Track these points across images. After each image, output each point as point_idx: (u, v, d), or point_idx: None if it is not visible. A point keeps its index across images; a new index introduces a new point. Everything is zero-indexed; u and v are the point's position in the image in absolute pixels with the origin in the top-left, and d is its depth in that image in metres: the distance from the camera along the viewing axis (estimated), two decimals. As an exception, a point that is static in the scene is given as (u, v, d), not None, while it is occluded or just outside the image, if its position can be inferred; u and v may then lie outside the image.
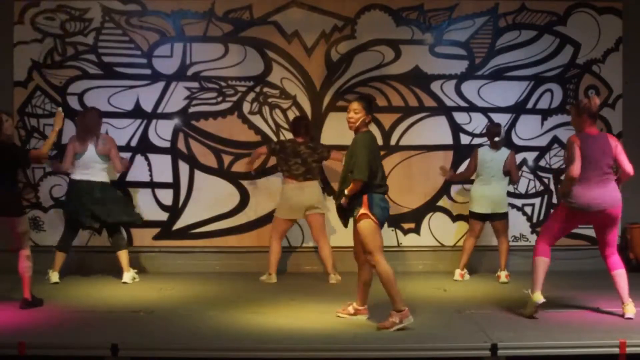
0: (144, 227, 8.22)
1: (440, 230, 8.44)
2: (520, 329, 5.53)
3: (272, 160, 8.06)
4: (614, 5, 8.49)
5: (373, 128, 5.89)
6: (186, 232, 8.31)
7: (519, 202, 8.39)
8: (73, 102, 8.22)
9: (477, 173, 7.74)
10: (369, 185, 5.53)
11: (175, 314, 6.04)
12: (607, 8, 8.48)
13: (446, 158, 8.42)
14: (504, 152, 7.71)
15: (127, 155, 8.11)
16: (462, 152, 8.35)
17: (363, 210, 5.53)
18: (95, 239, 8.16)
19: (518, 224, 8.36)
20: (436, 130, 8.43)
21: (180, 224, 8.32)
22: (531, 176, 8.46)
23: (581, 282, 7.39)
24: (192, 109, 8.32)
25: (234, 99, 8.33)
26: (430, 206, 8.44)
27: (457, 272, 7.78)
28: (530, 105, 8.50)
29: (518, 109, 8.48)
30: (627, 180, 6.06)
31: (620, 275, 5.88)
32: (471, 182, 7.89)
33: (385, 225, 6.15)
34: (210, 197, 8.31)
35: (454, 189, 8.45)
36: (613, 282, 5.91)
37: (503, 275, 7.63)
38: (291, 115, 8.26)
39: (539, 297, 5.79)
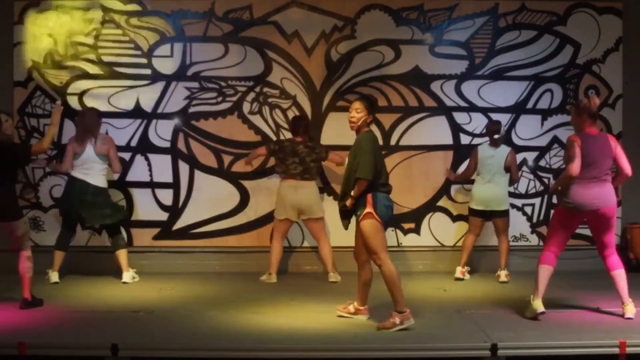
0: (144, 227, 8.24)
1: (440, 230, 8.44)
2: (520, 329, 5.53)
3: (272, 160, 8.05)
4: (614, 5, 8.49)
5: (373, 128, 5.88)
6: (186, 232, 8.31)
7: (519, 202, 8.39)
8: (73, 102, 8.22)
9: (478, 171, 7.75)
10: (373, 184, 5.53)
11: (175, 314, 6.04)
12: (607, 8, 8.48)
13: (446, 158, 8.42)
14: (504, 150, 7.72)
15: (127, 155, 8.12)
16: (462, 152, 8.35)
17: (367, 209, 5.52)
18: (95, 239, 8.16)
19: (518, 224, 8.36)
20: (436, 130, 8.43)
21: (180, 224, 8.32)
22: (531, 176, 8.46)
23: (581, 282, 7.39)
24: (192, 109, 8.32)
25: (234, 99, 8.33)
26: (430, 206, 8.44)
27: (458, 269, 7.78)
28: (530, 105, 8.49)
29: (518, 109, 8.48)
30: (624, 181, 6.07)
31: (620, 275, 5.88)
32: (472, 181, 7.90)
33: (386, 225, 6.15)
34: (210, 197, 8.31)
35: (454, 188, 8.45)
36: (613, 282, 5.91)
37: (503, 274, 7.64)
38: (291, 115, 8.25)
39: (538, 306, 5.80)
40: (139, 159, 8.27)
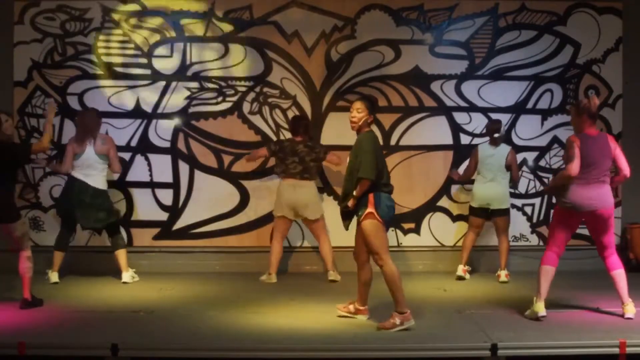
0: (144, 227, 8.24)
1: (440, 230, 8.44)
2: (520, 329, 5.53)
3: (272, 160, 8.05)
4: (614, 5, 8.49)
5: (373, 128, 5.87)
6: (186, 232, 8.31)
7: (519, 202, 8.39)
8: (73, 102, 8.22)
9: (478, 170, 7.75)
10: (375, 184, 5.52)
11: (175, 314, 6.04)
12: (607, 8, 8.48)
13: (446, 158, 8.43)
14: (504, 149, 7.72)
15: (127, 155, 8.12)
16: (462, 152, 8.35)
17: (369, 209, 5.51)
18: (95, 239, 8.16)
19: (518, 224, 8.36)
20: (436, 130, 8.43)
21: (180, 224, 8.32)
22: (531, 176, 8.46)
23: (581, 282, 7.39)
24: (192, 109, 8.32)
25: (234, 99, 8.33)
26: (430, 206, 8.44)
27: (460, 267, 7.78)
28: (530, 105, 8.50)
29: (518, 109, 8.48)
30: (622, 182, 6.08)
31: (620, 275, 5.88)
32: (472, 181, 7.90)
33: (386, 225, 6.15)
34: (210, 197, 8.31)
35: (454, 188, 8.45)
36: (612, 283, 5.91)
37: (503, 274, 7.64)
38: (291, 115, 8.25)
39: (539, 309, 5.80)
40: (139, 159, 8.27)
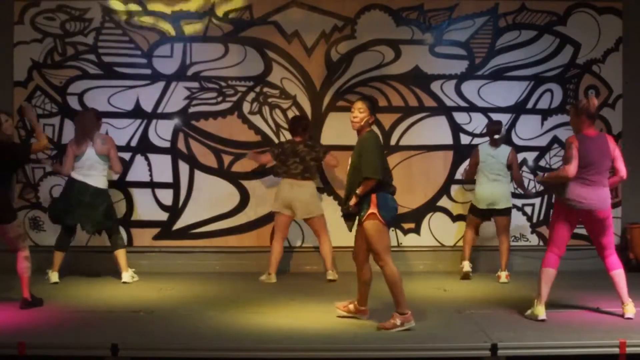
0: (144, 227, 8.24)
1: (440, 230, 8.44)
2: (520, 329, 5.53)
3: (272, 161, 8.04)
4: (614, 5, 8.49)
5: (373, 128, 5.86)
6: (186, 232, 8.31)
7: (519, 202, 8.38)
8: (73, 102, 8.22)
9: (479, 170, 7.75)
10: (379, 184, 5.51)
11: (175, 314, 6.04)
12: (607, 8, 8.48)
13: (446, 158, 8.43)
14: (504, 149, 7.73)
15: (127, 155, 8.12)
16: (462, 152, 8.35)
17: (371, 210, 5.50)
18: (95, 239, 8.13)
19: (518, 224, 8.36)
20: (436, 130, 8.43)
21: (180, 224, 8.32)
22: (531, 176, 8.45)
23: (581, 282, 7.39)
24: (192, 109, 8.32)
25: (234, 99, 8.33)
26: (430, 206, 8.44)
27: (466, 263, 7.78)
28: (530, 105, 8.50)
29: (518, 109, 8.48)
30: (618, 183, 6.09)
31: (619, 275, 5.88)
32: (473, 181, 7.90)
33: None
34: (210, 197, 8.31)
35: (454, 188, 8.45)
36: (612, 283, 5.91)
37: (503, 275, 7.63)
38: (291, 115, 8.25)
39: (540, 312, 5.79)
40: (139, 159, 8.27)
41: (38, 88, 8.21)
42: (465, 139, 8.43)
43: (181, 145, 8.31)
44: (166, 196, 8.30)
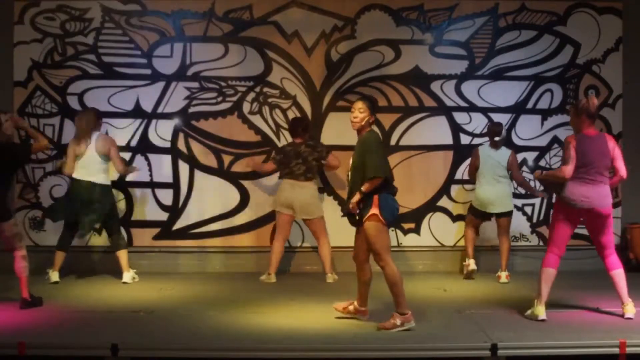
0: (144, 227, 8.24)
1: (440, 230, 8.44)
2: (520, 329, 5.53)
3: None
4: (614, 5, 8.49)
5: (373, 128, 5.86)
6: (186, 232, 8.31)
7: (519, 202, 8.38)
8: (73, 102, 8.22)
9: (479, 172, 7.74)
10: (381, 184, 5.51)
11: (175, 314, 6.04)
12: (607, 8, 8.48)
13: (446, 158, 8.43)
14: (504, 152, 7.73)
15: (127, 155, 8.12)
16: (462, 152, 8.36)
17: (373, 210, 5.50)
18: (95, 239, 8.16)
19: (518, 224, 8.35)
20: (436, 130, 8.43)
21: (180, 224, 8.32)
22: (531, 176, 8.45)
23: (581, 282, 7.39)
24: (192, 109, 8.32)
25: (234, 99, 8.33)
26: (430, 206, 8.44)
27: (472, 261, 7.77)
28: (530, 105, 8.50)
29: (518, 109, 8.48)
30: (618, 183, 6.07)
31: (619, 275, 5.87)
32: (473, 182, 7.91)
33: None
34: (210, 197, 8.31)
35: (454, 188, 8.45)
36: (612, 282, 5.91)
37: (504, 275, 7.63)
38: (291, 115, 8.26)
39: (540, 312, 5.79)
40: (139, 159, 8.27)
41: (38, 88, 8.21)
42: (465, 139, 8.43)
43: (181, 145, 8.31)
44: (166, 196, 8.31)
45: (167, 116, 8.29)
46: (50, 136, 8.09)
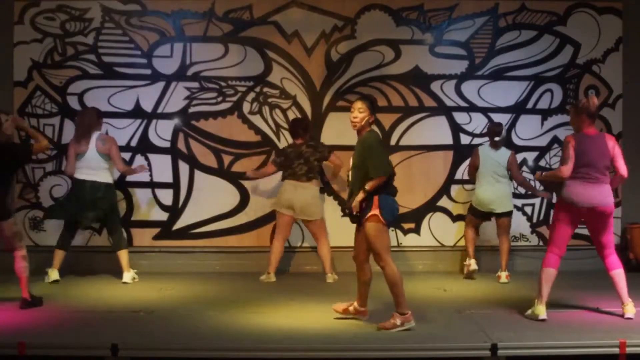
0: (144, 227, 8.24)
1: (440, 230, 8.44)
2: (520, 329, 5.53)
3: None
4: (614, 5, 8.49)
5: (373, 128, 5.86)
6: (186, 232, 8.31)
7: (519, 202, 8.38)
8: (73, 102, 8.22)
9: (479, 172, 7.74)
10: (382, 185, 5.51)
11: (175, 314, 6.04)
12: (607, 8, 8.48)
13: (446, 158, 8.43)
14: (504, 152, 7.73)
15: (127, 155, 8.12)
16: (462, 152, 8.36)
17: (373, 211, 5.49)
18: (95, 239, 8.16)
19: (518, 224, 8.35)
20: (436, 130, 8.43)
21: (180, 224, 8.32)
22: (531, 176, 8.45)
23: (581, 282, 7.39)
24: (192, 109, 8.32)
25: (234, 99, 8.33)
26: (430, 206, 8.44)
27: (473, 261, 7.78)
28: (530, 105, 8.50)
29: (518, 109, 8.48)
30: (621, 182, 6.05)
31: (619, 275, 5.87)
32: (473, 182, 7.91)
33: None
34: (210, 197, 8.30)
35: (454, 188, 8.45)
36: (612, 282, 5.91)
37: (504, 275, 7.63)
38: (291, 115, 8.26)
39: (540, 312, 5.78)
40: (139, 159, 8.27)
41: (38, 88, 8.21)
42: (465, 139, 8.43)
43: (181, 145, 8.31)
44: (166, 196, 8.31)
45: (167, 116, 8.29)
46: (50, 136, 8.09)
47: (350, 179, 5.69)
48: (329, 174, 8.07)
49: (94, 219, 7.34)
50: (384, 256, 5.51)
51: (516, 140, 8.43)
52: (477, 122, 8.43)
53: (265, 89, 8.35)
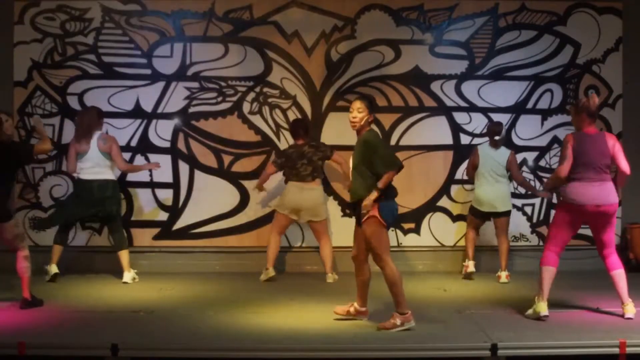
0: (144, 227, 8.24)
1: (440, 230, 8.44)
2: (520, 329, 5.53)
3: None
4: (614, 5, 8.49)
5: (373, 128, 5.86)
6: (186, 232, 8.31)
7: (519, 202, 8.39)
8: (73, 102, 8.22)
9: (479, 172, 7.74)
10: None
11: (175, 314, 6.04)
12: (607, 8, 8.48)
13: (446, 158, 8.43)
14: (504, 152, 7.73)
15: (127, 155, 8.12)
16: (462, 152, 8.36)
17: (373, 212, 5.50)
18: (96, 239, 8.17)
19: (518, 224, 8.36)
20: (436, 130, 8.43)
21: (180, 224, 8.32)
22: (531, 176, 8.46)
23: (581, 282, 7.39)
24: (192, 109, 8.32)
25: (234, 99, 8.33)
26: (430, 206, 8.44)
27: (471, 263, 7.78)
28: (530, 105, 8.50)
29: (518, 109, 8.49)
30: (624, 179, 6.00)
31: (619, 275, 5.87)
32: (472, 181, 7.91)
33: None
34: (210, 197, 8.30)
35: (454, 188, 8.45)
36: (612, 282, 5.91)
37: (503, 275, 7.63)
38: (291, 115, 8.26)
39: (542, 309, 5.78)
40: (139, 159, 8.27)
41: (38, 88, 8.21)
42: (465, 139, 8.43)
43: (181, 145, 8.31)
44: (166, 196, 8.31)
45: (167, 116, 8.29)
46: (50, 136, 8.08)
47: (350, 179, 5.69)
48: (340, 177, 8.01)
49: (115, 212, 7.35)
50: (384, 256, 5.51)
51: (516, 140, 8.43)
52: (477, 122, 8.42)
53: (265, 89, 8.35)
